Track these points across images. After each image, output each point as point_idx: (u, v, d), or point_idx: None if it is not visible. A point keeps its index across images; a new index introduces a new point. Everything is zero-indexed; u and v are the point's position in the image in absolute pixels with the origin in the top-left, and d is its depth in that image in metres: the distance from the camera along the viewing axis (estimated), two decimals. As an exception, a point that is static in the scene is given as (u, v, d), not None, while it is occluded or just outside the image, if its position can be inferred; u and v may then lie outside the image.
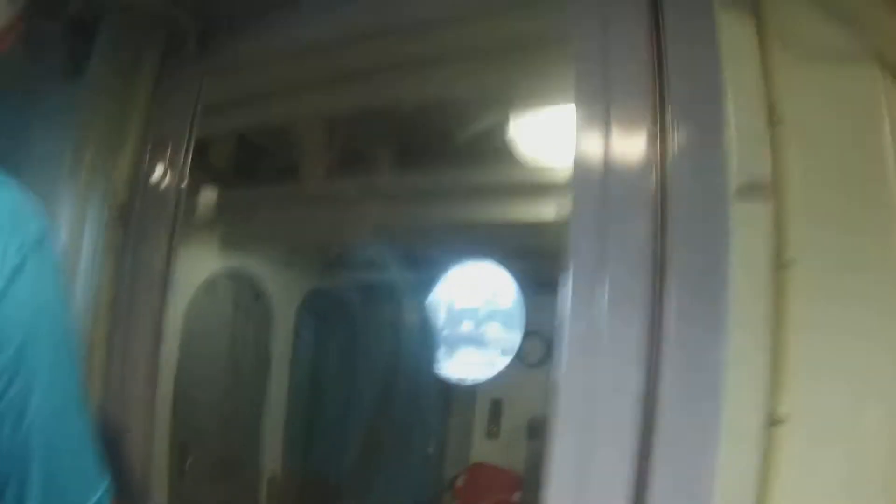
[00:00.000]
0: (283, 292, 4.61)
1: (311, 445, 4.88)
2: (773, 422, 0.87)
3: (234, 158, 2.63)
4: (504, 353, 5.94)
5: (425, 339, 5.19)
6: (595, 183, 1.03)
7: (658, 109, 1.02)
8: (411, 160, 2.67)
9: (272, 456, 4.57)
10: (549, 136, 2.10)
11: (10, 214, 0.75)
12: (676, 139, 1.00)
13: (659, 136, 1.02)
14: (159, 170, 1.48)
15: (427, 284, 5.12)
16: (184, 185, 1.49)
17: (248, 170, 2.76)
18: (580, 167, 1.06)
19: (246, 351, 4.46)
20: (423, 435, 5.08)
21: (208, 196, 2.78)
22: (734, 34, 0.96)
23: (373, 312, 5.27)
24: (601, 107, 1.06)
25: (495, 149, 2.35)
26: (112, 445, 1.52)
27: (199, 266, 3.80)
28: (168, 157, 1.48)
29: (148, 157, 1.48)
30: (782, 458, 0.87)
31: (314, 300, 4.92)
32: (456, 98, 2.08)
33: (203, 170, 2.52)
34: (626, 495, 0.90)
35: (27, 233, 0.76)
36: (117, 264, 1.49)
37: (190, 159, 1.50)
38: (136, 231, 1.48)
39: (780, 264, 0.90)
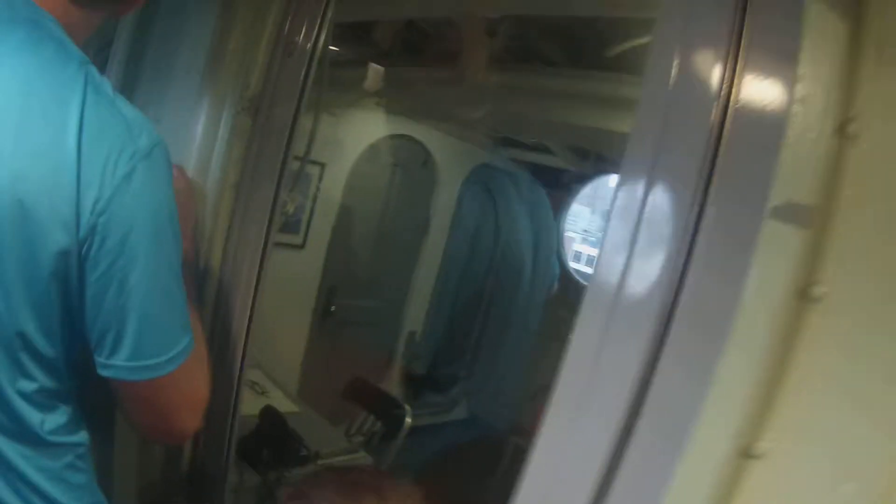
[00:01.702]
0: (451, 162, 4.73)
1: (451, 311, 5.12)
2: (746, 454, 0.81)
3: (399, 38, 2.65)
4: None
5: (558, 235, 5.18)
6: (657, 113, 0.94)
7: (731, 66, 0.88)
8: (572, 62, 2.55)
9: (415, 315, 4.88)
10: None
11: (124, 130, 0.91)
12: (739, 108, 0.87)
13: (723, 96, 0.89)
14: (287, 67, 1.54)
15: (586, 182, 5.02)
16: (310, 78, 1.53)
17: (415, 50, 2.77)
18: (650, 88, 0.96)
19: (407, 212, 4.67)
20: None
21: (374, 71, 2.85)
22: (820, 30, 0.78)
23: (536, 196, 5.27)
24: (678, 43, 0.94)
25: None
26: (218, 308, 1.71)
27: (366, 130, 3.98)
28: (296, 55, 1.53)
29: (280, 55, 1.54)
30: (749, 496, 0.82)
31: (480, 174, 4.99)
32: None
33: (368, 46, 2.58)
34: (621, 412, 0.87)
35: (138, 145, 0.91)
36: (246, 148, 1.59)
37: (318, 55, 1.53)
38: (264, 119, 1.58)
39: (806, 297, 0.79)
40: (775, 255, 0.79)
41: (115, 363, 0.96)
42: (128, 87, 1.85)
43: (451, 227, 4.94)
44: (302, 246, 3.94)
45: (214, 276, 1.67)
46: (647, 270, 0.89)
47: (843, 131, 0.80)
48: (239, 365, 1.61)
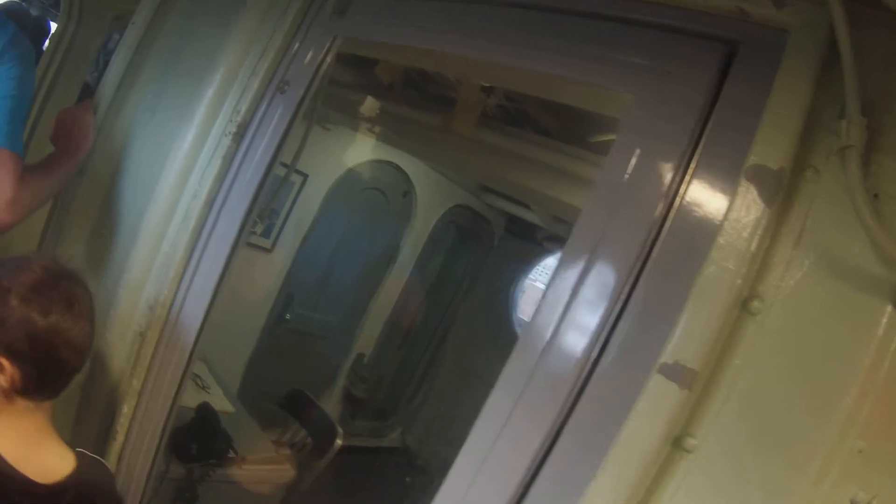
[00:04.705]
0: (431, 197, 4.83)
1: (403, 342, 5.20)
2: None
3: (400, 76, 2.75)
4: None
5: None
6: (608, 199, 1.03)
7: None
8: (560, 137, 2.66)
9: (367, 338, 4.95)
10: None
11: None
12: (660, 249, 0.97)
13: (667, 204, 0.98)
14: (278, 103, 1.61)
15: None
16: (299, 116, 1.60)
17: (414, 88, 2.87)
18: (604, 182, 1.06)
19: (379, 237, 4.77)
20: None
21: (372, 100, 2.97)
22: (746, 206, 0.87)
23: (509, 245, 5.39)
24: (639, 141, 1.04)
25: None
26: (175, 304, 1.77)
27: (354, 150, 4.08)
28: (288, 93, 1.60)
29: (272, 90, 1.62)
30: None
31: (457, 214, 5.09)
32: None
33: (370, 76, 2.68)
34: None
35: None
36: (226, 168, 1.65)
37: (310, 97, 1.60)
38: (247, 147, 1.63)
39: (678, 447, 0.87)
40: (656, 403, 0.87)
41: None
42: (134, 67, 1.94)
43: (418, 261, 5.01)
44: (270, 250, 4.00)
45: (178, 271, 1.72)
46: (568, 348, 0.99)
47: (746, 306, 0.86)
48: (187, 358, 1.66)
